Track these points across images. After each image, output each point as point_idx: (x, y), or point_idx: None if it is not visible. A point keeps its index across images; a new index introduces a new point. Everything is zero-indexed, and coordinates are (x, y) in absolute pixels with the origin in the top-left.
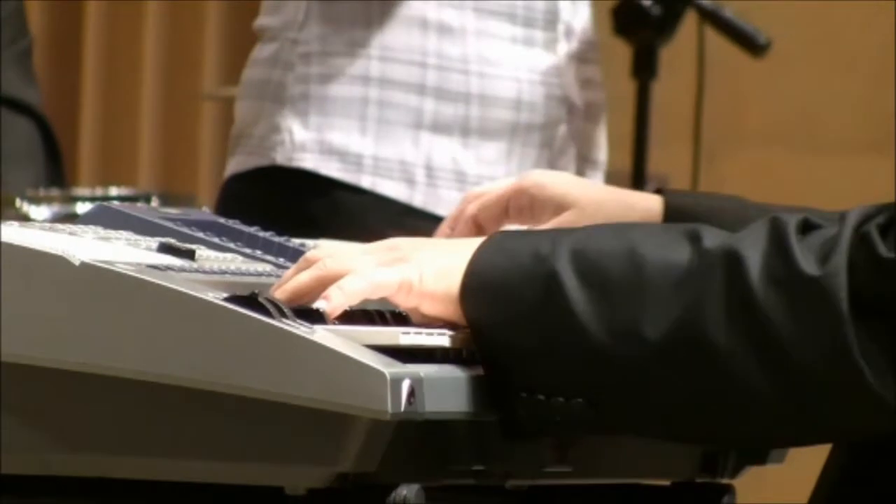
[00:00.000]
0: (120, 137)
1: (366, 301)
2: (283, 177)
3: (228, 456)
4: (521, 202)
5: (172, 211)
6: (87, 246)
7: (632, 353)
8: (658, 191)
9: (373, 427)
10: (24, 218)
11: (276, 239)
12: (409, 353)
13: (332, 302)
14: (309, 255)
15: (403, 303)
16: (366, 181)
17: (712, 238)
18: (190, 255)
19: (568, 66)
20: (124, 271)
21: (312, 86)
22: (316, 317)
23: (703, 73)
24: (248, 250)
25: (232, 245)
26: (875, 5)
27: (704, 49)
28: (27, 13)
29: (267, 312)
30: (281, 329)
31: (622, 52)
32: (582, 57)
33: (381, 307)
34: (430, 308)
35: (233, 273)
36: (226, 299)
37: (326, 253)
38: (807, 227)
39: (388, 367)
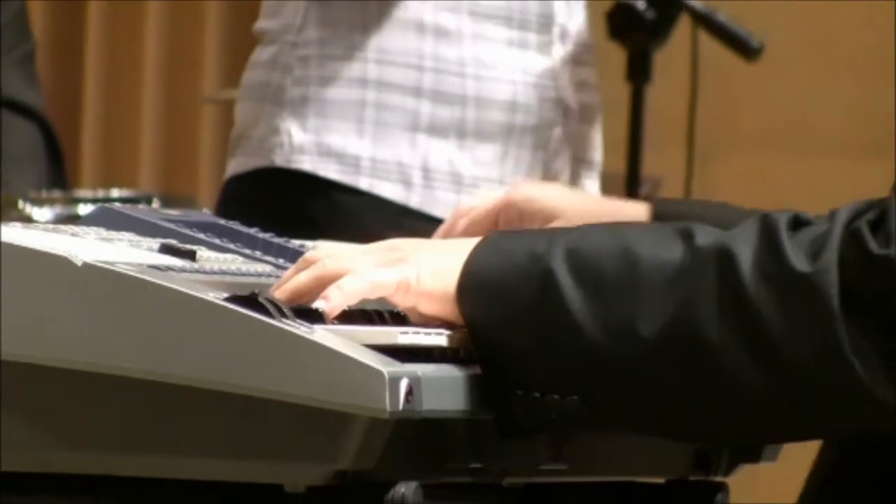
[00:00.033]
0: (121, 139)
1: (364, 301)
2: (282, 178)
3: (229, 454)
4: (511, 215)
5: (173, 212)
6: (89, 247)
7: (626, 350)
8: (646, 199)
9: (371, 425)
10: (27, 219)
11: (276, 240)
12: (408, 352)
13: (332, 302)
14: (308, 255)
15: (401, 302)
16: (363, 183)
17: (705, 236)
18: (191, 255)
19: (563, 68)
20: (126, 272)
21: (311, 88)
22: (315, 317)
23: (696, 76)
24: (247, 251)
25: (232, 246)
26: (870, 7)
27: (698, 53)
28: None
29: (267, 312)
30: (281, 329)
31: (617, 56)
32: (577, 59)
33: (379, 307)
34: (428, 307)
35: (233, 273)
36: (226, 299)
37: (325, 253)
38: (797, 224)
39: (386, 367)
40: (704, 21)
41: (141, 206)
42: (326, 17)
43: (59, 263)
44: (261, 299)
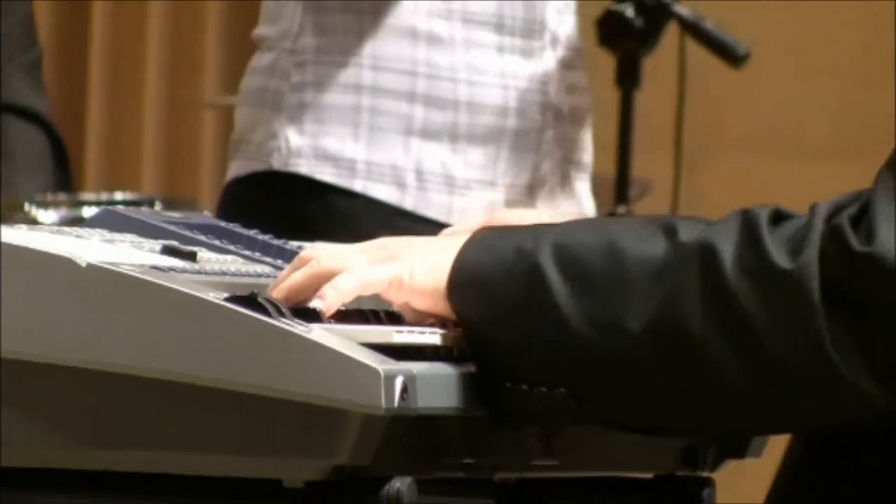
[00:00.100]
0: (124, 143)
1: (360, 301)
2: (280, 181)
3: (229, 450)
4: None
5: (175, 214)
6: (93, 248)
7: (614, 345)
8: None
9: (367, 422)
10: (33, 221)
11: (275, 241)
12: (403, 350)
13: (327, 300)
14: (303, 254)
15: (395, 298)
16: (358, 185)
17: (688, 231)
18: (192, 256)
19: (553, 73)
20: (129, 272)
21: (308, 94)
22: (313, 316)
23: (684, 82)
24: (247, 252)
25: (232, 247)
26: (853, 11)
27: (685, 59)
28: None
29: (266, 312)
30: (279, 328)
31: (606, 62)
32: (567, 64)
33: (375, 307)
34: (420, 303)
35: (233, 274)
36: (226, 299)
37: (319, 253)
38: (778, 218)
39: (381, 365)
40: (692, 29)
41: (143, 209)
42: (323, 24)
43: (63, 264)
44: (260, 299)
